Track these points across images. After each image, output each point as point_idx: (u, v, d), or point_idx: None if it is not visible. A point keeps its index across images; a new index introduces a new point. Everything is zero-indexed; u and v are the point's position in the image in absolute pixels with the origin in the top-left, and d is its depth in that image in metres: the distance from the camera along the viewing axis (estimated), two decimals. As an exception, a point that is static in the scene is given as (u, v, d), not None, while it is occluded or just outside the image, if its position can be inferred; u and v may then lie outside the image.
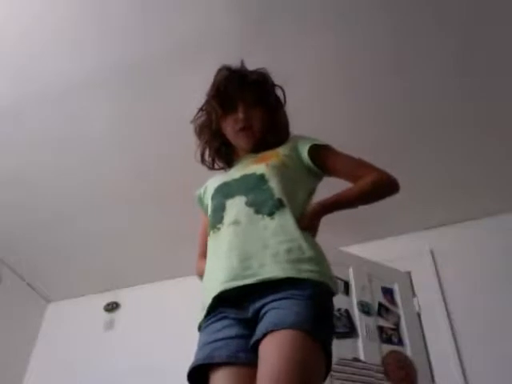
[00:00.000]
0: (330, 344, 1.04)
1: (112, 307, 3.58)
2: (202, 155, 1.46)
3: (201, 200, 1.47)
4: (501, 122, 2.53)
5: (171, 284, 3.46)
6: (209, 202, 1.37)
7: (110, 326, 3.51)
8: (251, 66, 1.46)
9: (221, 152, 1.45)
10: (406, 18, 2.18)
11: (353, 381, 2.17)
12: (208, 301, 1.13)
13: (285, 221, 1.16)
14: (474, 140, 2.61)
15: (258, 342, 1.00)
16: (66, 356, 3.43)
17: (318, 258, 1.13)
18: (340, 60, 2.34)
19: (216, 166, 1.47)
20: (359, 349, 2.35)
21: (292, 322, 0.98)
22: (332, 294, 1.12)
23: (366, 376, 2.24)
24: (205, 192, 1.45)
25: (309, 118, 2.45)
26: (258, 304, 1.06)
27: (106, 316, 3.56)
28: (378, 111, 2.52)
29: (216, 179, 1.40)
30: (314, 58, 2.33)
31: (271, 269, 1.07)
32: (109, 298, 3.62)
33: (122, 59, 2.39)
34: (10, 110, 2.62)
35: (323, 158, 1.34)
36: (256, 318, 1.06)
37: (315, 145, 1.33)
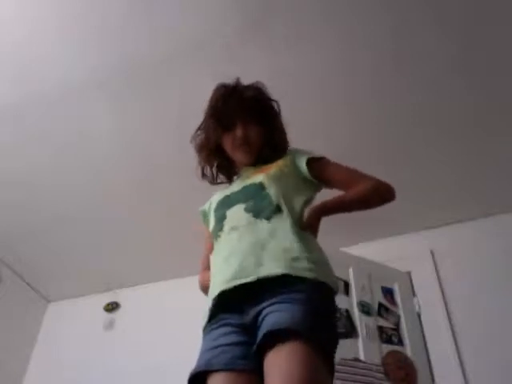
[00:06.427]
0: (331, 345, 1.04)
1: (112, 307, 3.58)
2: (203, 171, 1.50)
3: (205, 216, 1.49)
4: (501, 121, 2.52)
5: (171, 284, 3.45)
6: (211, 215, 1.40)
7: (110, 325, 3.51)
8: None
9: (222, 168, 1.50)
10: (406, 18, 2.18)
11: (353, 381, 2.17)
12: (209, 305, 1.16)
13: (282, 224, 1.19)
14: (473, 140, 2.61)
15: (261, 347, 1.00)
16: (66, 356, 3.42)
17: (315, 258, 1.15)
18: (340, 60, 2.34)
19: (218, 181, 1.52)
20: (359, 349, 2.34)
21: (290, 324, 0.98)
22: (332, 292, 1.13)
23: (366, 376, 2.24)
24: (209, 208, 1.47)
25: (309, 118, 2.46)
26: (257, 308, 1.07)
27: (106, 316, 3.55)
28: (378, 111, 2.52)
29: (219, 194, 1.44)
30: (314, 58, 2.32)
31: (268, 267, 1.09)
32: (109, 298, 3.61)
33: (122, 59, 2.39)
34: (10, 110, 2.62)
35: (320, 170, 1.38)
36: (256, 323, 1.06)
37: (312, 158, 1.38)
